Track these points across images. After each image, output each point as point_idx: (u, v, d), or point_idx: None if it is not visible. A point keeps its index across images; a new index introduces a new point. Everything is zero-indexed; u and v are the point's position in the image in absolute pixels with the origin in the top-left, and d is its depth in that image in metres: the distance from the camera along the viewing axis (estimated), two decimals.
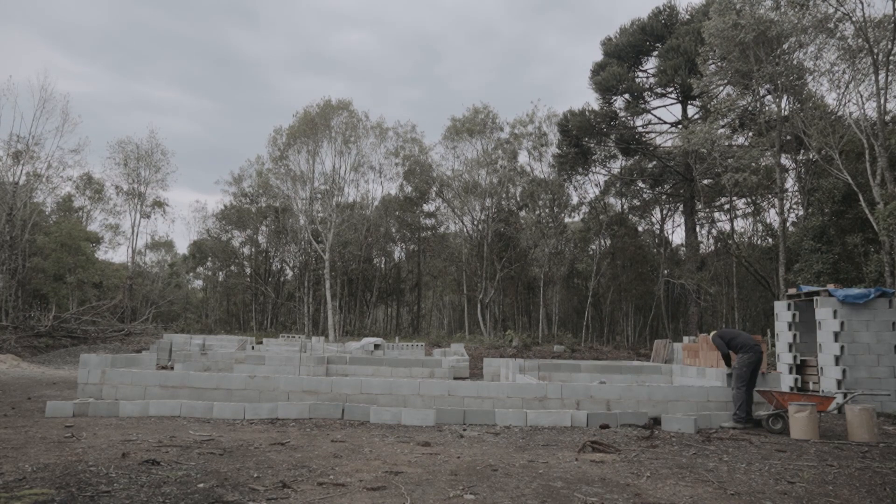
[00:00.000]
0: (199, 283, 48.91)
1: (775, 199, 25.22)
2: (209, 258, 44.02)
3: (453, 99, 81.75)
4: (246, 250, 44.42)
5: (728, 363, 9.50)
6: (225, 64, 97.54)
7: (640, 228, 37.50)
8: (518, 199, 37.56)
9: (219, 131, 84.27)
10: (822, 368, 11.84)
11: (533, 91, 78.84)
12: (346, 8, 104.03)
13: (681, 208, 34.27)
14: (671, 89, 31.40)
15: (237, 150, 79.70)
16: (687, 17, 30.84)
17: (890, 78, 18.14)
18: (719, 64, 24.20)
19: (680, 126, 30.36)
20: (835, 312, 11.55)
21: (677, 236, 53.27)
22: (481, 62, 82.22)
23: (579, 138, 31.94)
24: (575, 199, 36.55)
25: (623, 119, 32.48)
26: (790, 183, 28.11)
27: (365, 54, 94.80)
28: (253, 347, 20.89)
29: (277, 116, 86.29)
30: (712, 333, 9.82)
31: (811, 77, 21.64)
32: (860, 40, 18.50)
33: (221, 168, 77.08)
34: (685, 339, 20.26)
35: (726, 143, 25.77)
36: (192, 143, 77.19)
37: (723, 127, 25.86)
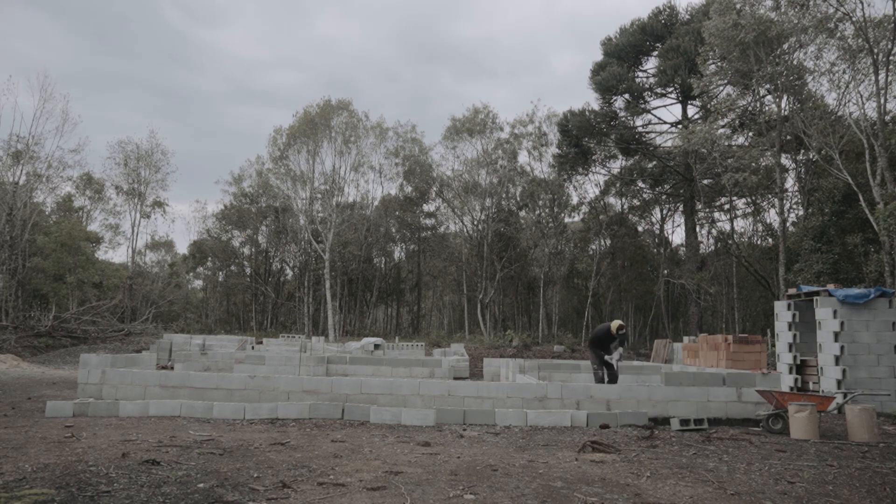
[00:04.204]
0: (199, 283, 48.87)
1: (775, 199, 25.22)
2: (209, 258, 43.99)
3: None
4: (246, 250, 44.39)
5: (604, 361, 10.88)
6: (175, 95, 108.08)
7: (640, 228, 37.51)
8: (518, 199, 37.54)
9: (182, 148, 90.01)
10: (822, 368, 11.84)
11: (442, 120, 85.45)
12: (263, 56, 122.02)
13: (681, 208, 34.26)
14: (671, 89, 31.40)
15: (202, 163, 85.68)
16: (687, 17, 30.85)
17: (890, 78, 18.13)
18: (719, 64, 24.19)
19: (680, 126, 30.34)
20: (835, 312, 11.55)
21: (677, 236, 53.22)
22: (392, 97, 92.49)
23: (579, 138, 31.94)
24: (575, 199, 36.59)
25: (623, 119, 32.48)
26: (790, 183, 28.14)
27: (293, 89, 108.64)
28: (253, 347, 20.89)
29: (232, 134, 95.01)
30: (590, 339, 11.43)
31: (811, 77, 21.64)
32: (860, 40, 18.49)
33: (192, 178, 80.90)
34: (685, 339, 20.26)
35: (726, 143, 25.76)
36: None
37: (723, 127, 25.85)
